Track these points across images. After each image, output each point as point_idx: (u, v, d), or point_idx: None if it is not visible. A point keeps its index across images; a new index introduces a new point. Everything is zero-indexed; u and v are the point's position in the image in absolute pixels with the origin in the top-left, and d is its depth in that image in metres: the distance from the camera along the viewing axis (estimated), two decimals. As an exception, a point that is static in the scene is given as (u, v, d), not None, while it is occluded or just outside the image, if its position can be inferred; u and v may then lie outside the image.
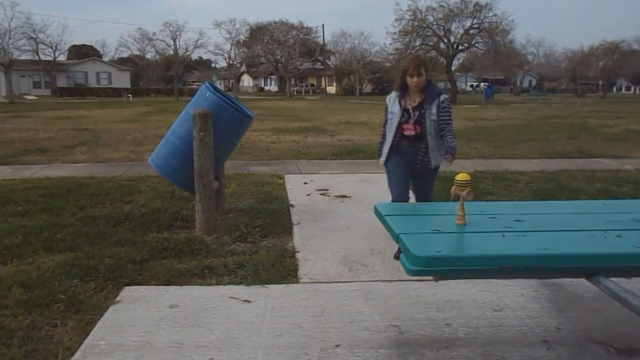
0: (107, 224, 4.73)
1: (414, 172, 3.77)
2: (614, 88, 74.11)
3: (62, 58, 53.30)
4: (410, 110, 3.64)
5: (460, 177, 2.35)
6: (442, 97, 3.63)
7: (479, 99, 41.07)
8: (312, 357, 2.45)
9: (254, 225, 4.63)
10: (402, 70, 3.67)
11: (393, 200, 3.69)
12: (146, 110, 25.50)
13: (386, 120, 3.81)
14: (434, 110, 3.60)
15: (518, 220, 2.45)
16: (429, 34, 40.46)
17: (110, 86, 53.60)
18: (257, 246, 4.18)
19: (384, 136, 3.86)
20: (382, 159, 3.83)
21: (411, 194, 3.94)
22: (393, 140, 3.70)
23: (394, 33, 40.62)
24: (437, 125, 3.61)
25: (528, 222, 2.45)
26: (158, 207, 5.30)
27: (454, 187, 2.39)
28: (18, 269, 3.62)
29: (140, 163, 8.30)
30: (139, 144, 11.09)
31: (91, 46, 66.98)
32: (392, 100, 3.75)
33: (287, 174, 7.52)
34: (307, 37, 57.73)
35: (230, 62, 54.04)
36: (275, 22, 55.24)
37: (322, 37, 62.57)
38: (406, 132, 3.67)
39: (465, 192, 2.34)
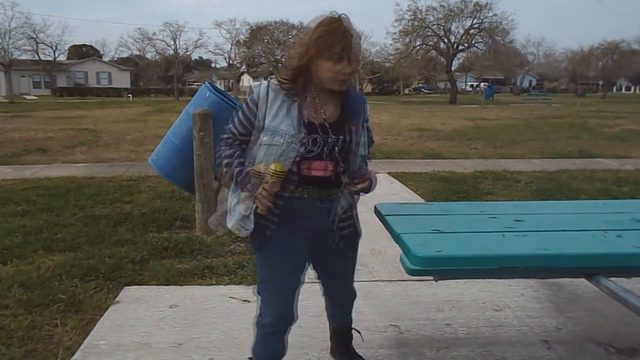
0: (107, 224, 4.73)
1: (321, 248, 2.01)
2: (614, 88, 74.15)
3: (62, 58, 53.42)
4: (319, 131, 1.82)
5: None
6: (368, 109, 2.01)
7: (479, 99, 41.09)
8: (312, 357, 2.45)
9: (254, 225, 4.63)
10: (309, 45, 1.75)
11: (272, 326, 1.96)
12: (146, 110, 25.50)
13: (237, 140, 1.91)
14: (363, 133, 1.93)
15: (518, 220, 2.45)
16: (429, 33, 40.53)
17: (110, 86, 53.63)
18: (257, 246, 4.18)
19: (233, 173, 1.85)
20: (247, 229, 1.87)
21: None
22: (283, 192, 1.82)
23: (394, 33, 40.77)
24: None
25: (528, 222, 2.44)
26: (158, 207, 5.30)
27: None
28: (18, 269, 3.62)
29: (140, 163, 8.30)
30: (139, 144, 11.09)
31: (91, 46, 67.02)
32: (272, 100, 1.82)
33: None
34: (307, 37, 57.53)
35: (230, 62, 54.09)
36: (275, 22, 55.22)
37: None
38: (314, 173, 1.85)
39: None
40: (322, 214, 1.93)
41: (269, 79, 1.88)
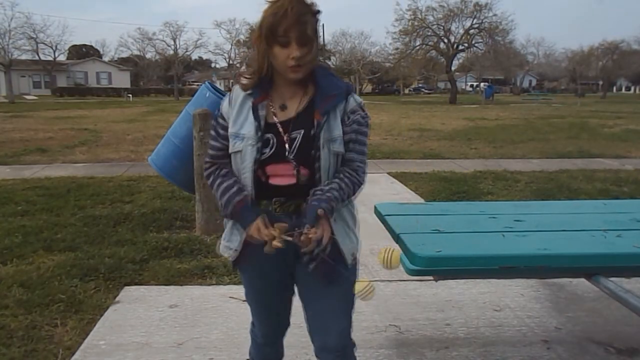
0: (107, 224, 4.73)
1: (299, 276, 1.71)
2: (614, 88, 74.15)
3: (62, 58, 53.44)
4: (280, 129, 1.56)
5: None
6: (354, 100, 1.60)
7: (479, 99, 41.10)
8: (312, 357, 2.44)
9: (254, 225, 4.63)
10: (258, 33, 1.52)
11: (263, 340, 1.88)
12: (146, 110, 25.51)
13: (217, 154, 1.65)
14: (337, 125, 1.56)
15: (518, 220, 2.45)
16: (429, 33, 40.54)
17: (110, 86, 53.65)
18: (257, 246, 4.18)
19: (223, 190, 1.59)
20: (229, 251, 1.68)
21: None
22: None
23: (394, 33, 40.75)
24: (340, 162, 1.60)
25: (528, 222, 2.45)
26: (158, 207, 5.30)
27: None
28: (18, 269, 3.62)
29: (140, 163, 8.30)
30: (139, 144, 11.09)
31: (91, 46, 67.01)
32: (235, 105, 1.60)
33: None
34: (307, 37, 57.61)
35: (230, 62, 54.08)
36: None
37: (322, 37, 62.62)
38: (275, 181, 1.57)
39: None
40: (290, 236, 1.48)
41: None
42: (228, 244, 1.68)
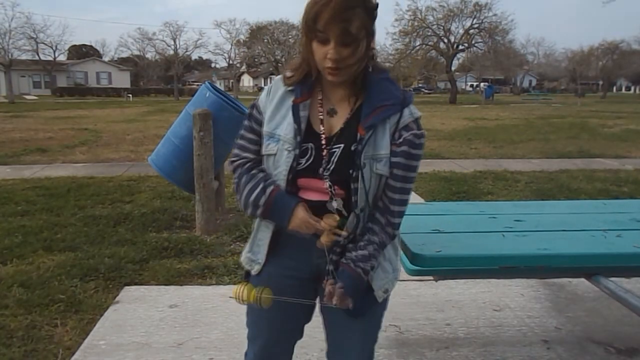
0: (107, 224, 4.73)
1: (323, 307, 1.51)
2: (614, 88, 74.15)
3: (62, 58, 53.49)
4: (323, 140, 1.36)
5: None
6: (410, 113, 1.35)
7: (479, 99, 41.10)
8: (312, 357, 2.45)
9: (254, 225, 4.64)
10: (301, 27, 1.31)
11: None
12: (146, 110, 25.51)
13: (249, 148, 1.45)
14: (384, 142, 1.34)
15: (518, 220, 2.45)
16: (429, 34, 40.55)
17: (110, 86, 53.65)
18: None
19: (253, 186, 1.39)
20: (251, 263, 1.50)
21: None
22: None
23: (394, 33, 40.75)
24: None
25: (528, 222, 2.45)
26: (158, 207, 5.30)
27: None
28: (18, 269, 3.62)
29: (140, 163, 8.30)
30: (139, 144, 11.09)
31: (91, 46, 67.10)
32: (273, 100, 1.41)
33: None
34: (307, 37, 57.62)
35: (230, 62, 54.10)
36: (275, 22, 55.18)
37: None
38: (305, 195, 1.38)
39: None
40: (320, 252, 1.36)
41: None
42: (250, 255, 1.49)
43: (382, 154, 1.32)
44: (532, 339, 2.69)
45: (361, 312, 1.44)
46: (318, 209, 1.34)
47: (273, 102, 1.39)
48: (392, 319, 2.88)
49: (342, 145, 1.33)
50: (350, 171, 1.32)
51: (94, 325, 2.80)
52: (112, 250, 4.00)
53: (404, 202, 1.43)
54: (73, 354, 2.52)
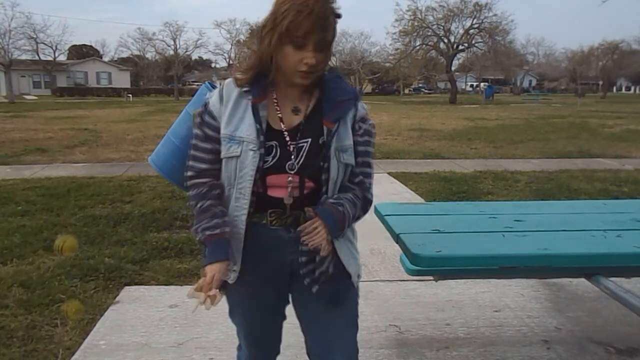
0: (107, 224, 4.73)
1: (297, 294, 1.55)
2: (614, 88, 74.15)
3: (62, 58, 53.44)
4: (287, 137, 1.41)
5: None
6: (362, 107, 1.48)
7: (479, 99, 41.09)
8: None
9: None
10: (267, 26, 1.35)
11: None
12: (146, 110, 25.51)
13: (205, 158, 1.45)
14: (347, 134, 1.43)
15: (518, 220, 2.45)
16: (429, 34, 40.56)
17: (110, 86, 53.63)
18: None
19: (203, 207, 1.42)
20: (229, 273, 1.47)
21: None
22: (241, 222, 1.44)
23: (394, 33, 40.79)
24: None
25: (528, 222, 2.45)
26: (158, 207, 5.30)
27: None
28: (18, 269, 3.62)
29: (140, 163, 8.30)
30: (139, 144, 11.09)
31: (91, 46, 67.01)
32: (228, 103, 1.42)
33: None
34: (307, 37, 57.61)
35: (230, 62, 54.09)
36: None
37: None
38: (273, 193, 1.41)
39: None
40: (288, 252, 1.44)
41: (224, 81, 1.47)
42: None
43: (346, 144, 1.42)
44: (532, 339, 2.69)
45: (340, 298, 1.50)
46: (289, 208, 1.41)
47: (228, 106, 1.40)
48: (392, 319, 2.88)
49: (310, 139, 1.40)
50: (321, 163, 1.38)
51: (94, 325, 2.80)
52: (112, 250, 4.01)
53: (371, 176, 1.51)
54: (73, 354, 2.52)
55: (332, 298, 1.48)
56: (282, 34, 1.30)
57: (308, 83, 1.38)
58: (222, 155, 1.40)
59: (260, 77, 1.40)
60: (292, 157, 1.38)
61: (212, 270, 1.36)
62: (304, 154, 1.39)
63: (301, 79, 1.36)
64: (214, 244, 1.38)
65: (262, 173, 1.38)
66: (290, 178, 1.39)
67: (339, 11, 1.35)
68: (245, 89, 1.40)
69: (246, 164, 1.37)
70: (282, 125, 1.41)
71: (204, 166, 1.44)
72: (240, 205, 1.41)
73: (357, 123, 1.45)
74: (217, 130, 1.41)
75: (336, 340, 1.53)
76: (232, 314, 1.65)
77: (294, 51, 1.31)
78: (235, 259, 1.44)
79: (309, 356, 1.63)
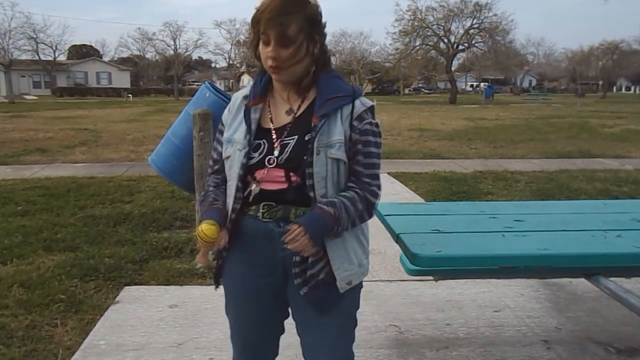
0: (107, 224, 4.73)
1: (293, 301, 1.53)
2: (614, 88, 74.13)
3: (62, 58, 53.45)
4: (274, 135, 1.47)
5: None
6: (361, 103, 1.46)
7: (479, 99, 41.07)
8: (312, 357, 2.45)
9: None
10: (252, 27, 1.43)
11: None
12: (146, 110, 25.51)
13: (217, 160, 1.58)
14: (337, 130, 1.43)
15: (518, 220, 2.45)
16: (429, 33, 40.56)
17: (110, 86, 53.63)
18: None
19: (212, 203, 1.52)
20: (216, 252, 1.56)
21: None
22: (232, 213, 1.49)
23: (394, 33, 40.79)
24: (345, 172, 1.46)
25: (528, 222, 2.45)
26: (158, 207, 5.30)
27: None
28: (18, 269, 3.62)
29: (140, 163, 8.30)
30: (139, 144, 11.09)
31: (91, 46, 66.97)
32: (232, 110, 1.55)
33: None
34: (307, 37, 57.58)
35: (230, 62, 54.14)
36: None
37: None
38: (265, 186, 1.45)
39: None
40: (274, 245, 1.45)
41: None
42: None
43: (334, 140, 1.42)
44: (532, 339, 2.69)
45: (326, 307, 1.48)
46: (275, 196, 1.44)
47: (232, 113, 1.54)
48: (392, 319, 2.88)
49: (296, 136, 1.44)
50: (305, 157, 1.41)
51: (94, 325, 2.80)
52: (112, 250, 4.01)
53: (376, 177, 1.49)
54: (73, 354, 2.52)
55: (316, 305, 1.46)
56: (255, 33, 1.40)
57: (283, 79, 1.44)
58: (223, 156, 1.53)
59: (257, 81, 1.51)
60: (276, 152, 1.44)
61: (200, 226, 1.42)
62: (290, 150, 1.43)
63: (273, 74, 1.43)
64: (205, 211, 1.49)
65: (247, 169, 1.45)
66: (264, 171, 1.43)
67: (311, 7, 1.39)
68: (245, 94, 1.52)
69: (234, 163, 1.47)
70: (271, 125, 1.48)
71: (215, 166, 1.60)
72: (230, 199, 1.49)
73: (354, 121, 1.44)
74: (220, 131, 1.57)
75: (325, 348, 1.51)
76: (227, 309, 1.64)
77: (263, 47, 1.39)
78: (224, 241, 1.48)
79: (304, 358, 1.60)
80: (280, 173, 1.43)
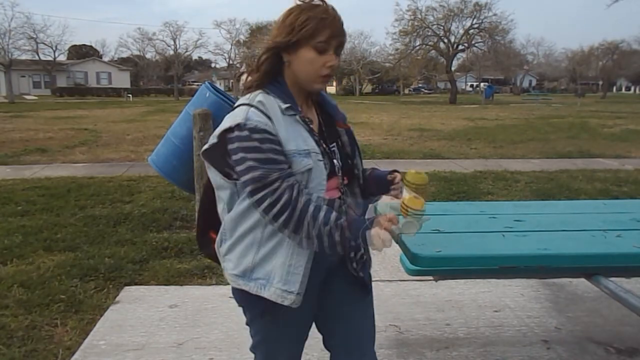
0: (107, 224, 4.73)
1: (331, 295, 1.57)
2: (614, 88, 74.15)
3: (62, 58, 53.47)
4: (323, 144, 1.46)
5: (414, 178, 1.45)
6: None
7: (479, 99, 41.08)
8: (312, 357, 2.44)
9: (254, 225, 4.64)
10: (290, 28, 1.38)
11: None
12: (146, 110, 25.51)
13: (284, 168, 1.35)
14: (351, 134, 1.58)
15: (518, 220, 2.45)
16: (429, 33, 40.56)
17: (110, 86, 53.62)
18: (257, 246, 4.18)
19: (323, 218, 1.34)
20: (290, 296, 1.41)
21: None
22: None
23: (394, 33, 40.79)
24: None
25: (528, 222, 2.44)
26: (158, 207, 5.30)
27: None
28: (18, 269, 3.62)
29: (140, 163, 8.30)
30: (139, 144, 11.09)
31: (91, 46, 66.98)
32: (277, 120, 1.37)
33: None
34: (307, 37, 57.59)
35: (230, 62, 54.12)
36: (275, 22, 55.03)
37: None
38: (327, 196, 1.43)
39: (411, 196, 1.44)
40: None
41: (248, 104, 1.38)
42: (283, 287, 1.39)
43: (356, 143, 1.58)
44: (532, 339, 2.69)
45: (370, 289, 1.61)
46: (333, 205, 1.42)
47: (280, 122, 1.36)
48: (392, 319, 2.89)
49: (334, 143, 1.51)
50: (349, 161, 1.52)
51: (94, 325, 2.80)
52: (112, 250, 4.01)
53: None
54: (73, 354, 2.52)
55: (364, 286, 1.57)
56: (303, 41, 1.36)
57: (323, 88, 1.49)
58: (294, 170, 1.35)
59: (281, 89, 1.42)
60: (335, 160, 1.47)
61: (375, 232, 1.33)
62: (341, 156, 1.51)
63: (322, 83, 1.44)
64: (350, 226, 1.33)
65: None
66: (340, 180, 1.47)
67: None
68: (287, 104, 1.39)
69: (317, 175, 1.38)
70: (316, 135, 1.45)
71: (284, 167, 1.36)
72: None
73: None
74: (280, 143, 1.35)
75: (366, 334, 1.62)
76: (275, 344, 1.57)
77: (317, 56, 1.38)
78: (300, 280, 1.39)
79: (331, 348, 1.63)
80: (336, 180, 1.46)
